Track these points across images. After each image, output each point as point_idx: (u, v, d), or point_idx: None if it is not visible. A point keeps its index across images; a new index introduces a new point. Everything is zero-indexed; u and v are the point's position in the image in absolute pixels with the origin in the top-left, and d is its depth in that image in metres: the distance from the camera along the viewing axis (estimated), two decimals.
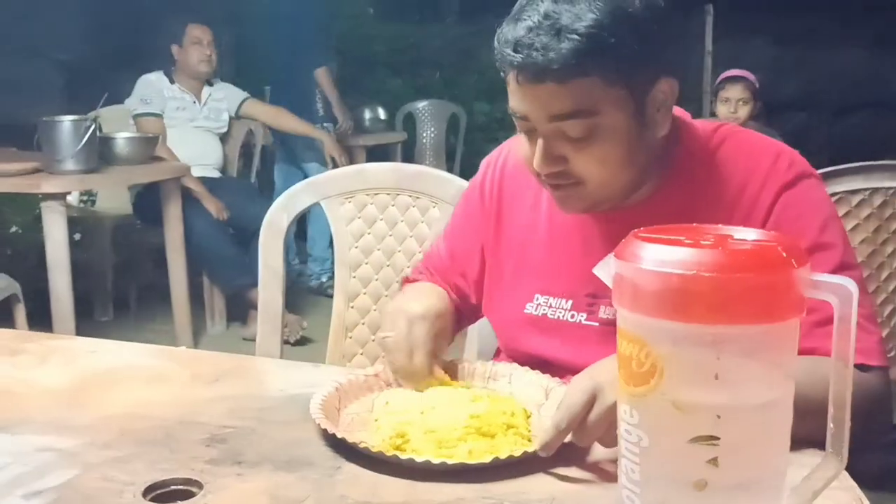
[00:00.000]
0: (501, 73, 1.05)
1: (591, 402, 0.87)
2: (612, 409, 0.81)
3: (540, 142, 1.04)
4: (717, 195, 1.09)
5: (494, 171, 1.29)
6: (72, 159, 3.15)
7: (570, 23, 0.97)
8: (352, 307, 1.70)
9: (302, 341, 3.62)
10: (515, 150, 1.27)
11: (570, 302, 1.17)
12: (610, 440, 0.86)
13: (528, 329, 1.19)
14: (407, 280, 1.36)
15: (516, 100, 1.05)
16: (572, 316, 1.16)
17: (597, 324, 1.14)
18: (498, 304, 1.25)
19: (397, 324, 1.12)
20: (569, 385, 0.92)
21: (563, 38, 0.97)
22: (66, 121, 3.16)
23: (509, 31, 1.01)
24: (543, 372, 1.12)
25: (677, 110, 1.12)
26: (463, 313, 1.30)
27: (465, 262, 1.30)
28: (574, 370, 1.05)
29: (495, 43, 1.03)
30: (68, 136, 3.13)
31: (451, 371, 1.14)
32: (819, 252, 1.03)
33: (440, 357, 1.14)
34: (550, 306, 1.18)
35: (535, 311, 1.19)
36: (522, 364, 1.15)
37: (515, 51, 0.99)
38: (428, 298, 1.20)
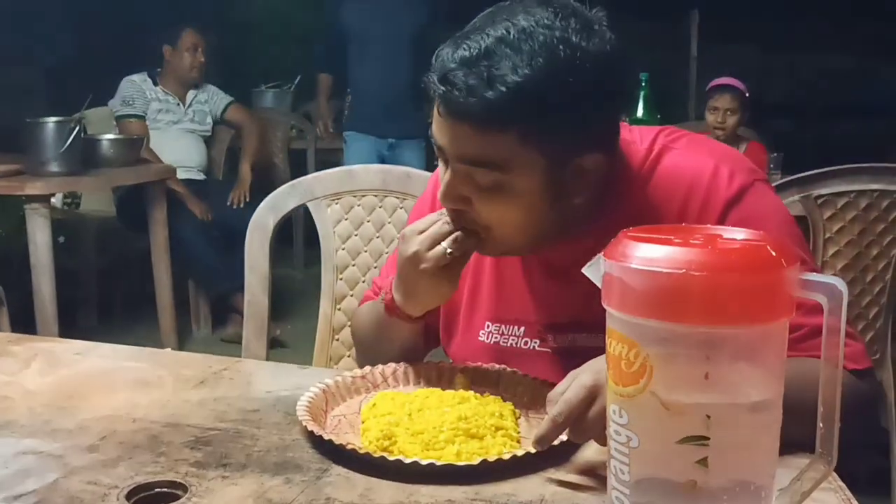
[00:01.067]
0: (430, 93, 1.00)
1: (591, 399, 0.86)
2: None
3: (447, 176, 1.01)
4: (661, 217, 1.04)
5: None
6: (56, 161, 3.13)
7: (504, 73, 0.92)
8: (339, 309, 1.70)
9: (274, 344, 3.59)
10: None
11: (521, 329, 1.15)
12: (605, 439, 0.85)
13: (482, 357, 1.17)
14: (365, 300, 1.27)
15: (436, 127, 1.00)
16: (525, 343, 1.15)
17: (549, 350, 1.13)
18: (453, 331, 1.23)
19: (411, 247, 1.06)
20: (567, 378, 0.90)
21: (492, 86, 0.92)
22: (51, 122, 3.14)
23: (446, 55, 0.96)
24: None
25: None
26: (427, 335, 1.25)
27: None
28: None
29: (433, 59, 0.98)
30: (52, 138, 3.12)
31: (446, 373, 1.13)
32: None
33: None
34: (502, 334, 1.17)
35: (487, 339, 1.18)
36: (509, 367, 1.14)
37: (441, 82, 0.95)
38: None
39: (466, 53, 0.94)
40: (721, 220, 1.03)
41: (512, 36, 0.93)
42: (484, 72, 0.92)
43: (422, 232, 1.06)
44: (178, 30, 4.04)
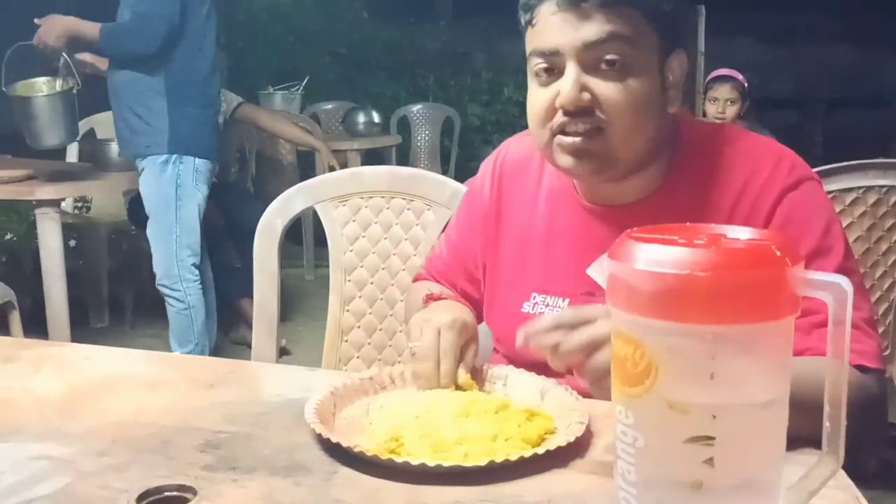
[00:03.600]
0: (528, 14, 1.06)
1: (584, 322, 0.87)
2: (597, 339, 0.83)
3: (572, 70, 1.03)
4: (717, 197, 1.09)
5: (494, 173, 1.29)
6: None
7: None
8: (347, 311, 1.70)
9: (281, 354, 3.60)
10: (514, 150, 1.28)
11: (566, 301, 1.17)
12: (587, 372, 0.86)
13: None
14: (419, 278, 1.37)
15: (547, 33, 1.04)
16: None
17: None
18: (496, 304, 1.26)
19: (425, 333, 1.10)
20: None
21: None
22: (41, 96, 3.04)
23: None
24: (539, 373, 1.11)
25: (679, 111, 1.12)
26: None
27: (470, 265, 1.31)
28: (569, 371, 1.04)
29: None
30: (44, 109, 3.01)
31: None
32: (820, 256, 1.03)
33: (468, 365, 1.12)
34: (548, 305, 1.18)
35: (532, 309, 1.19)
36: (518, 366, 1.14)
37: None
38: (454, 310, 1.18)
39: None
40: (775, 206, 1.07)
41: None
42: None
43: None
44: None
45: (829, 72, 6.60)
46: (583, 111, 1.04)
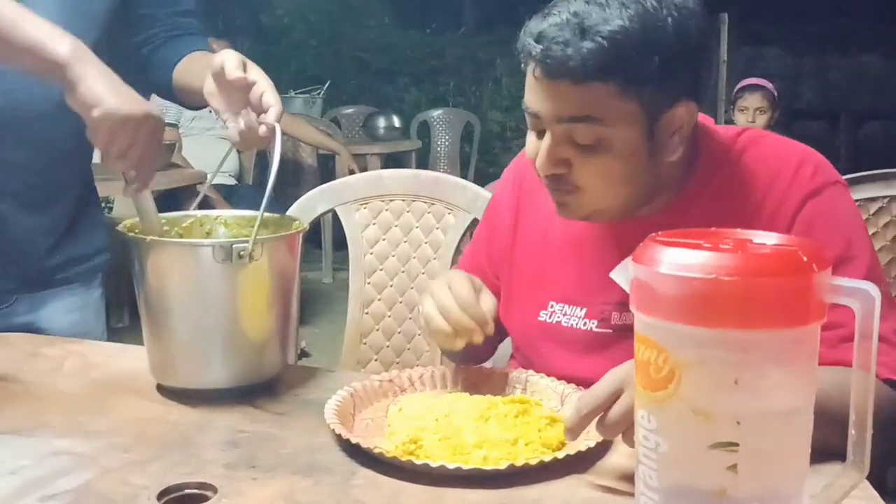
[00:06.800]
0: (522, 66, 1.04)
1: (617, 394, 0.86)
2: (631, 410, 0.79)
3: (546, 141, 1.03)
4: (739, 205, 1.07)
5: (514, 182, 1.28)
6: None
7: (597, 24, 0.95)
8: (367, 313, 1.70)
9: (300, 356, 3.61)
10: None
11: (584, 310, 1.16)
12: (631, 439, 0.84)
13: (541, 337, 1.19)
14: None
15: (530, 95, 1.03)
16: (584, 324, 1.15)
17: (610, 330, 1.13)
18: (512, 310, 1.24)
19: (440, 289, 1.09)
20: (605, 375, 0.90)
21: (587, 37, 0.95)
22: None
23: (535, 25, 1.00)
24: (559, 379, 1.11)
25: (700, 116, 1.10)
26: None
27: (490, 276, 1.28)
28: (586, 379, 1.03)
29: (521, 34, 1.02)
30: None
31: (474, 378, 1.14)
32: (844, 265, 1.01)
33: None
34: (565, 314, 1.17)
35: (549, 318, 1.18)
36: (537, 371, 1.14)
37: (537, 41, 0.98)
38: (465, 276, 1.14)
39: (557, 18, 0.98)
40: (797, 212, 1.05)
41: None
42: (577, 27, 0.96)
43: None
44: None
45: (858, 82, 6.54)
46: (557, 177, 1.04)
